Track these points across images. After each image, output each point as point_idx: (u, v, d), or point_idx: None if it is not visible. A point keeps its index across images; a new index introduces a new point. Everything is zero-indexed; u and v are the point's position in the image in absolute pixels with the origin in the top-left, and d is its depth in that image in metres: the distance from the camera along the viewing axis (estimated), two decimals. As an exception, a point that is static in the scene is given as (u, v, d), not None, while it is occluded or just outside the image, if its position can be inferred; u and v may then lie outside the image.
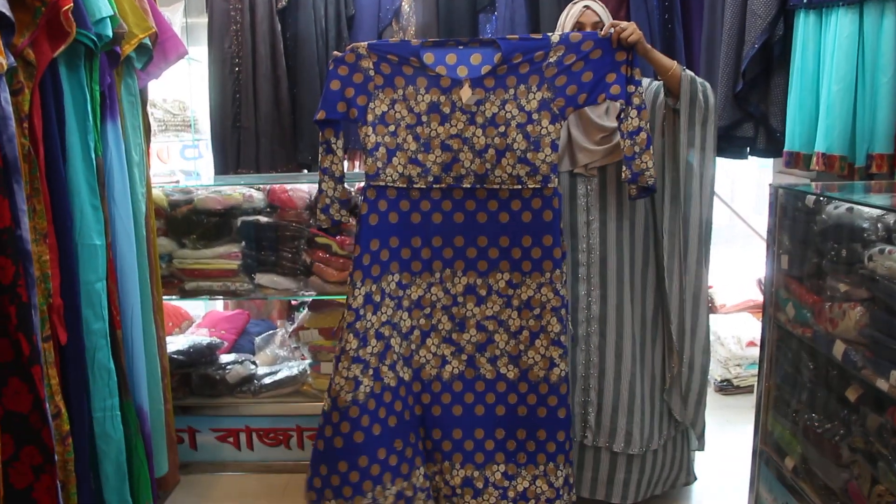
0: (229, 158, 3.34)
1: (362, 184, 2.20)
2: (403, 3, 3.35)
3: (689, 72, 2.10)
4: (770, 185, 2.16)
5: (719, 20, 2.85)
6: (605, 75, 2.01)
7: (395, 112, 2.05)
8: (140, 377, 2.12)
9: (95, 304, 1.91)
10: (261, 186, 2.81)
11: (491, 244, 2.10)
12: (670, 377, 2.27)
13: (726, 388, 3.34)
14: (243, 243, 2.73)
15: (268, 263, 2.74)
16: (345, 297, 2.17)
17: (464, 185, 2.06)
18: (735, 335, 3.44)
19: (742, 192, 4.46)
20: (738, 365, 3.37)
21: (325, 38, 3.35)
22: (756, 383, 2.31)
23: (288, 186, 2.76)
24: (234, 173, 3.33)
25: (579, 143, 2.20)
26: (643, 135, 2.02)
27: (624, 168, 2.05)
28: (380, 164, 2.05)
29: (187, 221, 2.73)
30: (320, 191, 2.14)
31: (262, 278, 2.73)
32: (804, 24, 2.55)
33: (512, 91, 2.02)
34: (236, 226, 2.74)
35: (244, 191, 2.77)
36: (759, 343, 2.24)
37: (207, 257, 2.73)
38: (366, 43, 2.06)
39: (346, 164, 3.50)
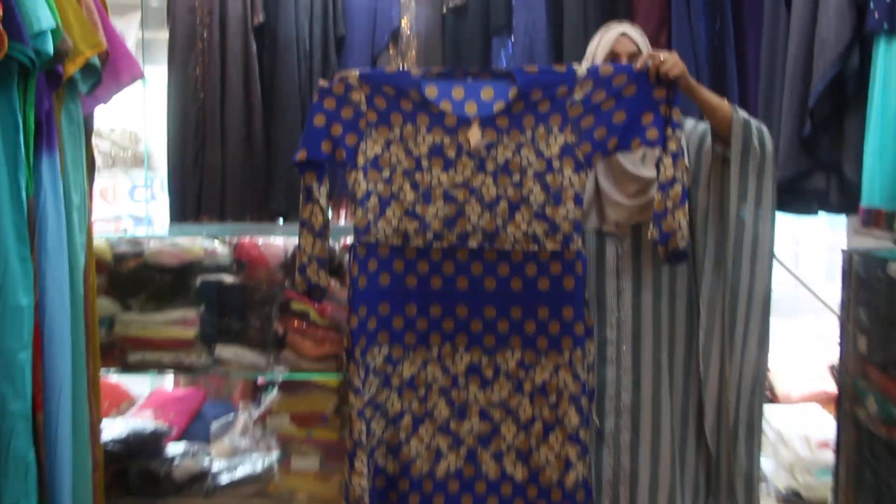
0: (189, 203, 3.40)
1: (350, 239, 2.28)
2: (402, 24, 3.48)
3: (742, 112, 2.18)
4: (844, 249, 2.22)
5: (781, 48, 2.92)
6: (641, 116, 2.09)
7: (391, 155, 2.14)
8: (64, 471, 2.06)
9: (16, 378, 1.88)
10: (226, 239, 2.87)
11: (500, 316, 2.15)
12: (717, 486, 2.28)
13: (793, 500, 3.33)
14: (202, 307, 2.78)
15: (231, 333, 2.78)
16: (323, 375, 2.22)
17: (469, 245, 2.13)
18: (803, 434, 3.42)
19: (809, 256, 4.51)
20: (808, 472, 3.36)
21: (310, 62, 3.45)
22: (830, 496, 2.32)
23: (259, 240, 2.83)
24: (195, 221, 3.38)
25: (609, 197, 2.27)
26: (678, 188, 2.08)
27: (651, 226, 2.11)
28: (371, 217, 2.13)
29: (135, 279, 2.78)
30: (299, 247, 2.21)
31: (224, 350, 2.77)
32: (886, 54, 2.53)
33: (529, 133, 2.10)
34: (194, 286, 2.79)
35: (206, 243, 2.83)
36: (832, 445, 2.26)
37: (158, 323, 2.77)
38: (357, 71, 2.16)
39: (330, 213, 3.58)
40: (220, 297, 2.78)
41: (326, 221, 2.22)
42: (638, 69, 2.10)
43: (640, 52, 2.25)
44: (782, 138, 2.80)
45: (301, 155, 2.14)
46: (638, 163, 2.28)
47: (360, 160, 2.13)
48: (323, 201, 2.19)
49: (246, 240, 2.85)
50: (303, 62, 3.44)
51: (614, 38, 2.28)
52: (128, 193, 4.23)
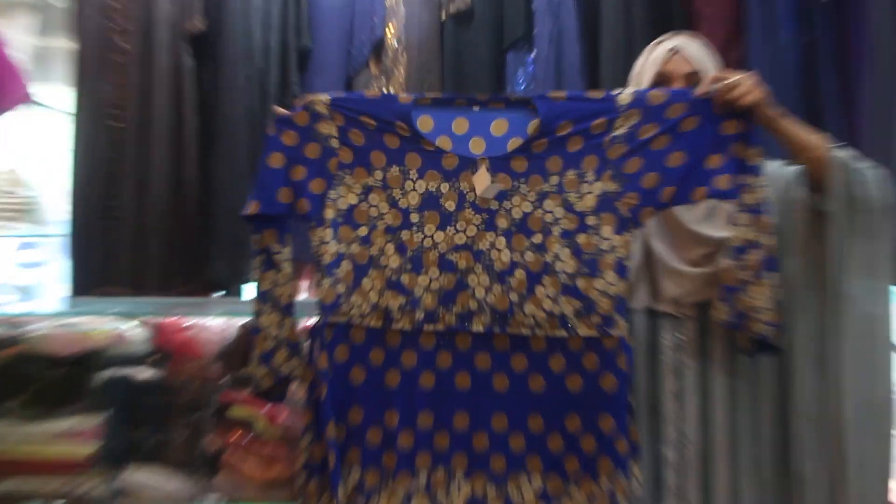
0: (93, 269, 3.45)
1: (311, 320, 2.30)
2: (388, 34, 3.58)
3: (845, 151, 2.20)
4: None
5: None
6: (706, 158, 2.14)
7: (370, 206, 2.19)
8: None
9: None
10: (143, 319, 2.90)
11: (514, 428, 2.17)
12: None
13: None
14: (105, 415, 2.78)
15: (146, 450, 2.77)
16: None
17: (473, 329, 2.16)
18: None
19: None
20: None
21: (263, 83, 3.54)
22: None
23: (189, 321, 2.85)
24: (100, 294, 3.41)
25: (665, 264, 2.31)
26: (758, 253, 2.11)
27: (719, 304, 2.15)
28: (341, 289, 2.17)
29: (11, 375, 2.79)
30: (255, 330, 2.26)
31: (135, 475, 2.76)
32: None
33: (556, 180, 2.16)
34: (96, 385, 2.79)
35: (113, 326, 2.85)
36: None
37: (41, 437, 2.77)
38: (327, 95, 2.22)
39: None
40: (132, 399, 2.79)
41: (295, 293, 2.28)
42: (700, 95, 2.14)
43: (699, 73, 2.30)
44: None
45: (253, 207, 2.19)
46: (702, 218, 2.32)
47: (329, 213, 2.18)
48: (288, 267, 2.25)
49: (170, 321, 2.88)
50: (254, 83, 3.53)
51: (663, 55, 2.34)
52: (10, 256, 4.25)
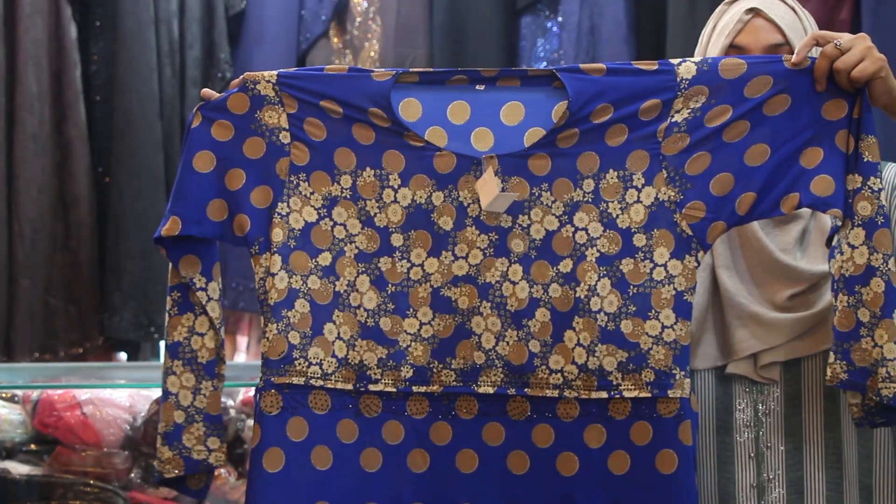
0: (-57, 325, 3.49)
1: (251, 390, 2.36)
2: (355, -11, 3.66)
3: None
4: None
5: None
6: (800, 152, 2.17)
7: (335, 225, 2.24)
8: None
9: None
10: (17, 393, 2.98)
11: (538, 526, 2.22)
12: None
13: None
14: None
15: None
16: None
17: (480, 390, 2.21)
18: None
19: None
20: None
21: (181, 59, 3.64)
22: None
23: (82, 395, 2.92)
24: (-45, 360, 3.48)
25: (740, 305, 2.36)
26: (878, 285, 2.11)
27: (832, 358, 2.13)
28: (295, 339, 2.20)
29: None
30: (165, 395, 2.28)
31: None
32: None
33: (590, 185, 2.21)
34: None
35: (-24, 402, 2.95)
36: None
37: None
38: (274, 73, 2.26)
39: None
40: (3, 503, 2.86)
41: (220, 347, 2.32)
42: (794, 65, 2.16)
43: (788, 44, 2.34)
44: None
45: (171, 226, 2.22)
46: (794, 244, 2.38)
47: (278, 234, 2.22)
48: (214, 310, 2.29)
49: (56, 395, 2.94)
50: (167, 60, 3.61)
51: (736, 20, 2.37)
52: None
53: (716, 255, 2.37)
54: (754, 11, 2.36)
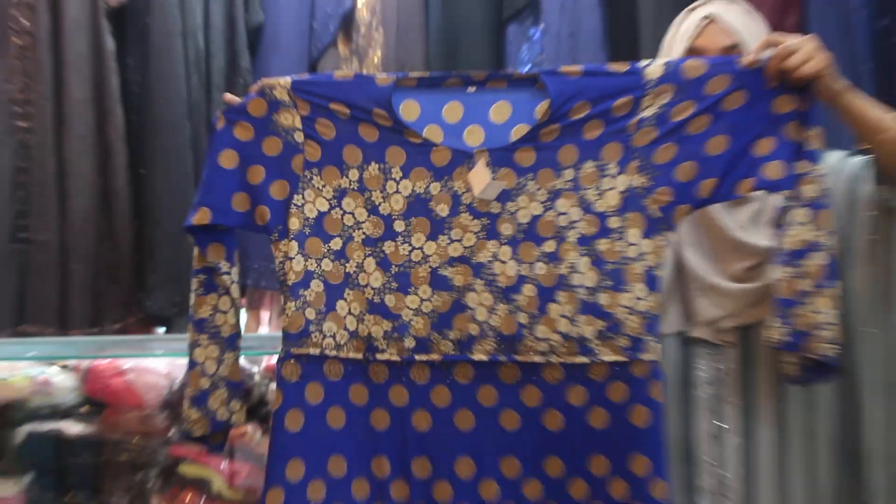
0: (4, 304, 3.47)
1: (274, 358, 2.39)
2: (360, 6, 3.67)
3: None
4: None
5: None
6: (754, 142, 2.21)
7: (344, 214, 2.28)
8: None
9: None
10: (69, 363, 3.01)
11: (528, 474, 2.25)
12: None
13: None
14: (28, 478, 2.89)
15: (76, 519, 2.87)
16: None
17: (475, 357, 2.24)
18: None
19: None
20: None
21: (206, 67, 3.65)
22: None
23: (126, 364, 2.95)
24: (14, 335, 3.43)
25: (701, 280, 2.40)
26: (819, 258, 2.16)
27: (775, 322, 2.18)
28: (311, 315, 2.24)
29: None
30: (192, 364, 2.32)
31: (65, 549, 2.87)
32: None
33: (570, 174, 2.24)
34: (15, 443, 2.90)
35: (33, 372, 2.96)
36: None
37: (-52, 507, 2.86)
38: (288, 79, 2.29)
39: (244, 315, 3.72)
40: (60, 459, 2.90)
41: (239, 323, 2.36)
42: (748, 65, 2.20)
43: (741, 46, 2.37)
44: None
45: (200, 216, 2.26)
46: (748, 223, 2.41)
47: (294, 223, 2.26)
48: (235, 291, 2.32)
49: (103, 364, 2.98)
50: (194, 69, 3.63)
51: (695, 24, 2.40)
52: None
53: (680, 234, 2.40)
54: (710, 18, 2.40)
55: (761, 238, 2.37)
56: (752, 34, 2.38)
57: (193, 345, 2.34)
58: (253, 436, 2.86)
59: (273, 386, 2.28)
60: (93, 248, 3.55)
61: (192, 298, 2.34)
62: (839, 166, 2.42)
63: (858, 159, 2.41)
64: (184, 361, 2.67)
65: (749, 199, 2.37)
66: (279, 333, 2.28)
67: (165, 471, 2.92)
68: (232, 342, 2.35)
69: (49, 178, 3.54)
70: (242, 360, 2.60)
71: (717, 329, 2.40)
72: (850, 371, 2.34)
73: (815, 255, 2.16)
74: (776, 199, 2.33)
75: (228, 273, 2.32)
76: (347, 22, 3.71)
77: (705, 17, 2.41)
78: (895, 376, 2.34)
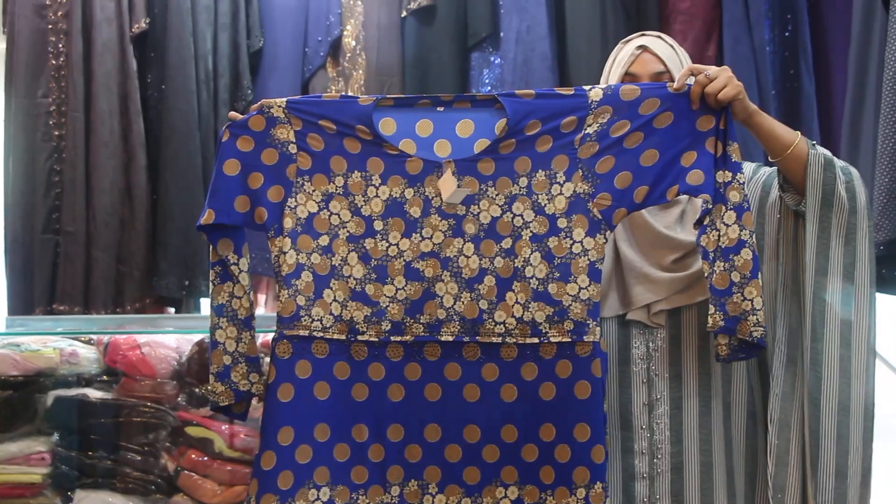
0: (37, 286, 3.49)
1: (269, 336, 2.36)
2: (345, 33, 3.65)
3: (822, 150, 2.25)
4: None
5: (875, 64, 3.01)
6: (680, 155, 2.18)
7: (331, 214, 2.24)
8: None
9: None
10: (92, 338, 2.94)
11: (487, 439, 2.22)
12: None
13: None
14: (56, 437, 2.84)
15: (99, 473, 2.83)
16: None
17: (442, 338, 2.22)
18: None
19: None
20: None
21: (214, 86, 3.62)
22: None
23: (141, 338, 2.89)
24: (46, 312, 3.47)
25: (636, 269, 2.36)
26: (746, 253, 2.14)
27: (712, 310, 2.16)
28: (302, 301, 2.22)
29: (-45, 398, 2.83)
30: (214, 344, 2.28)
31: (88, 499, 2.80)
32: None
33: (524, 181, 2.21)
34: (45, 406, 2.85)
35: (62, 345, 2.89)
36: None
37: (-12, 461, 2.83)
38: (284, 99, 2.26)
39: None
40: (84, 420, 2.84)
41: (252, 307, 2.32)
42: (675, 90, 2.19)
43: (668, 73, 2.34)
44: (877, 187, 2.84)
45: (208, 216, 2.21)
46: (674, 222, 2.37)
47: (288, 222, 2.22)
48: (245, 279, 2.28)
49: (121, 339, 2.91)
50: (204, 87, 3.59)
51: (629, 54, 2.38)
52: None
53: (617, 232, 2.37)
54: (643, 48, 2.38)
55: (686, 234, 2.36)
56: (677, 63, 2.38)
57: (215, 327, 2.30)
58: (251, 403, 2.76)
59: (268, 359, 2.24)
60: (116, 239, 3.54)
61: (211, 288, 2.32)
62: (755, 177, 2.42)
63: (768, 170, 2.41)
64: (191, 337, 2.64)
65: (676, 202, 2.36)
66: (273, 314, 2.28)
67: (174, 432, 2.88)
68: (247, 323, 2.31)
69: (78, 177, 3.53)
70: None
71: (651, 313, 2.37)
72: (765, 347, 2.30)
73: (743, 251, 2.15)
74: (698, 203, 2.30)
75: (237, 264, 2.28)
76: (335, 48, 3.68)
77: (639, 47, 2.39)
78: (794, 354, 2.31)
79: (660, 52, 2.37)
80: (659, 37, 2.43)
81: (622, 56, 2.41)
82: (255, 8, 3.67)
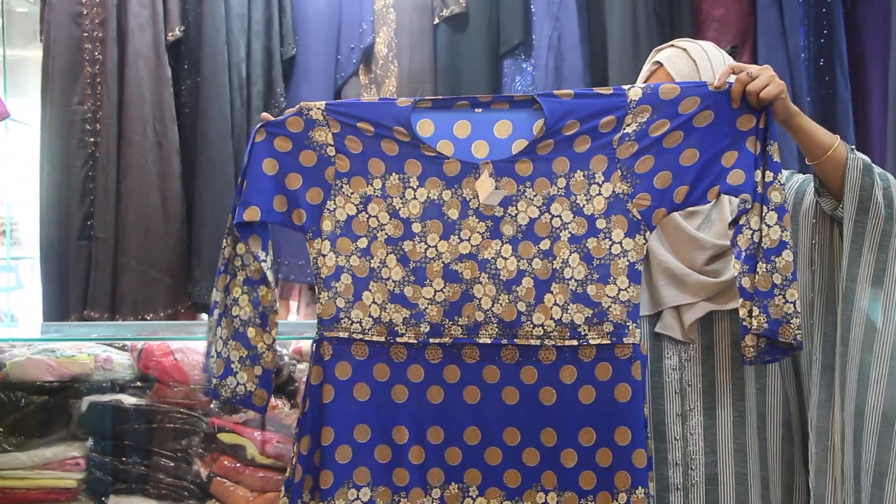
0: (72, 293, 3.51)
1: (300, 342, 2.35)
2: (378, 41, 3.66)
3: (860, 155, 2.23)
4: None
5: None
6: (721, 154, 2.17)
7: (370, 217, 2.24)
8: None
9: None
10: (126, 344, 2.96)
11: (526, 442, 2.21)
12: None
13: None
14: (90, 442, 2.85)
15: (132, 478, 2.84)
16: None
17: (481, 340, 2.21)
18: None
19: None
20: None
21: (247, 93, 3.63)
22: None
23: (174, 345, 2.91)
24: (80, 319, 3.48)
25: (666, 270, 2.35)
26: (787, 255, 2.12)
27: (756, 312, 2.13)
28: (341, 303, 2.23)
29: (-8, 403, 2.85)
30: (220, 317, 2.32)
31: (122, 504, 2.84)
32: None
33: (563, 182, 2.20)
34: (79, 412, 2.87)
35: (96, 351, 2.92)
36: None
37: (23, 466, 2.84)
38: (323, 102, 2.27)
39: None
40: (117, 426, 2.87)
41: (273, 304, 2.35)
42: (716, 88, 2.17)
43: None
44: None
45: (252, 213, 2.23)
46: (702, 224, 2.37)
47: (327, 225, 2.23)
48: (271, 275, 2.30)
49: (155, 345, 2.93)
50: (237, 93, 3.60)
51: (647, 69, 2.41)
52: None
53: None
54: (658, 63, 2.40)
55: (713, 236, 2.36)
56: (708, 72, 2.36)
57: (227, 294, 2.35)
58: (282, 409, 2.84)
59: (301, 366, 2.26)
60: (148, 246, 3.56)
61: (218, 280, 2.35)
62: (788, 182, 2.40)
63: (802, 177, 2.41)
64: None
65: (700, 207, 2.36)
66: (306, 321, 2.34)
67: (207, 438, 2.91)
68: (265, 321, 2.36)
69: (111, 184, 3.56)
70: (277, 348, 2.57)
71: (685, 327, 2.36)
72: (795, 359, 2.36)
73: (784, 252, 2.13)
74: (725, 208, 2.37)
75: (265, 261, 2.30)
76: (368, 55, 3.70)
77: (655, 63, 2.41)
78: (830, 361, 2.29)
79: (675, 70, 2.36)
80: (684, 50, 2.40)
81: (645, 67, 2.43)
82: (288, 16, 3.67)
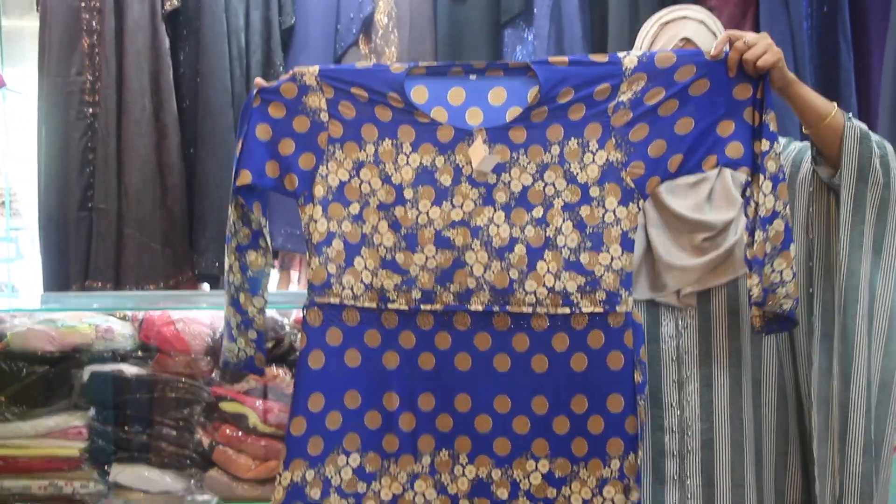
0: (73, 264, 3.50)
1: (299, 311, 2.36)
2: (378, 10, 3.65)
3: (858, 122, 2.22)
4: None
5: None
6: (717, 123, 2.15)
7: (362, 182, 2.24)
8: None
9: None
10: (127, 314, 2.98)
11: (517, 410, 2.21)
12: None
13: None
14: (92, 412, 2.88)
15: (134, 447, 2.87)
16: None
17: (472, 307, 2.21)
18: None
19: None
20: None
21: (246, 62, 3.62)
22: None
23: (175, 315, 2.92)
24: (81, 289, 3.47)
25: (666, 259, 2.33)
26: (778, 224, 2.13)
27: (756, 280, 2.14)
28: (333, 269, 2.22)
29: (-8, 373, 2.86)
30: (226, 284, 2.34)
31: (124, 473, 2.84)
32: None
33: (556, 150, 2.19)
34: (81, 381, 2.89)
35: (97, 321, 2.94)
36: None
37: (26, 435, 2.86)
38: (316, 67, 2.26)
39: (276, 275, 3.74)
40: (119, 396, 2.89)
41: (265, 266, 2.38)
42: (712, 56, 2.15)
43: (692, 44, 2.32)
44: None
45: (244, 177, 2.24)
46: (703, 202, 2.35)
47: (319, 190, 2.23)
48: (268, 241, 2.34)
49: (156, 315, 2.95)
50: (237, 62, 3.60)
51: (654, 31, 2.38)
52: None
53: (648, 218, 2.36)
54: (668, 22, 2.40)
55: (716, 213, 2.35)
56: (704, 39, 2.35)
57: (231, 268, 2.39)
58: (284, 379, 2.87)
59: (289, 331, 2.27)
60: (148, 216, 3.57)
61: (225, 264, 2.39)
62: (786, 150, 2.39)
63: (800, 144, 2.40)
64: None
65: (703, 180, 2.36)
66: (304, 291, 2.30)
67: (208, 407, 2.93)
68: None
69: (110, 155, 3.56)
70: (275, 313, 2.68)
71: (681, 294, 2.36)
72: (796, 322, 2.31)
73: (776, 222, 2.13)
74: (727, 180, 2.36)
75: (266, 227, 2.35)
76: (367, 25, 3.68)
77: (665, 22, 2.40)
78: (829, 329, 2.28)
79: (693, 30, 2.35)
80: (689, 13, 2.40)
81: (648, 31, 2.43)
82: (286, -16, 3.68)
